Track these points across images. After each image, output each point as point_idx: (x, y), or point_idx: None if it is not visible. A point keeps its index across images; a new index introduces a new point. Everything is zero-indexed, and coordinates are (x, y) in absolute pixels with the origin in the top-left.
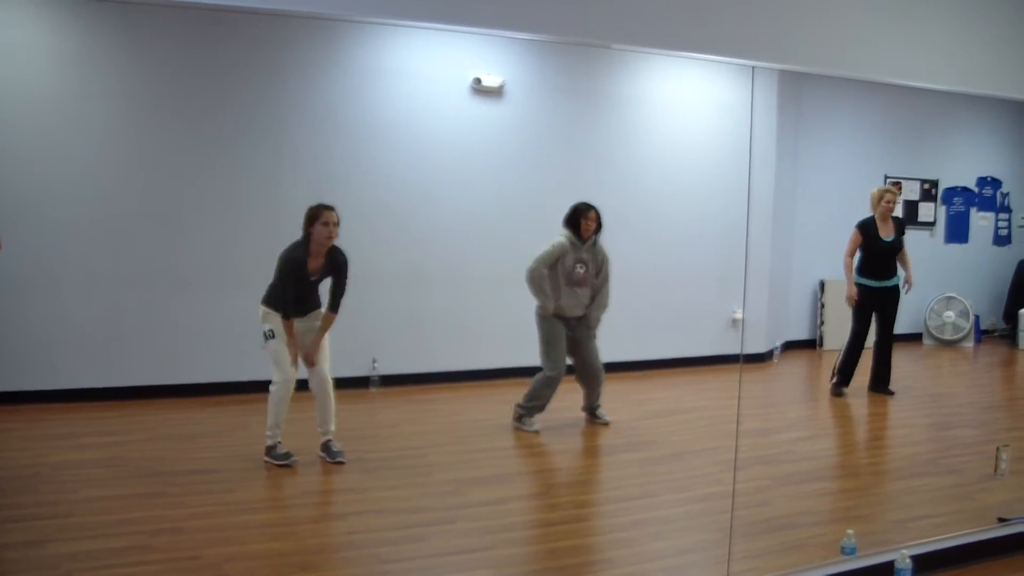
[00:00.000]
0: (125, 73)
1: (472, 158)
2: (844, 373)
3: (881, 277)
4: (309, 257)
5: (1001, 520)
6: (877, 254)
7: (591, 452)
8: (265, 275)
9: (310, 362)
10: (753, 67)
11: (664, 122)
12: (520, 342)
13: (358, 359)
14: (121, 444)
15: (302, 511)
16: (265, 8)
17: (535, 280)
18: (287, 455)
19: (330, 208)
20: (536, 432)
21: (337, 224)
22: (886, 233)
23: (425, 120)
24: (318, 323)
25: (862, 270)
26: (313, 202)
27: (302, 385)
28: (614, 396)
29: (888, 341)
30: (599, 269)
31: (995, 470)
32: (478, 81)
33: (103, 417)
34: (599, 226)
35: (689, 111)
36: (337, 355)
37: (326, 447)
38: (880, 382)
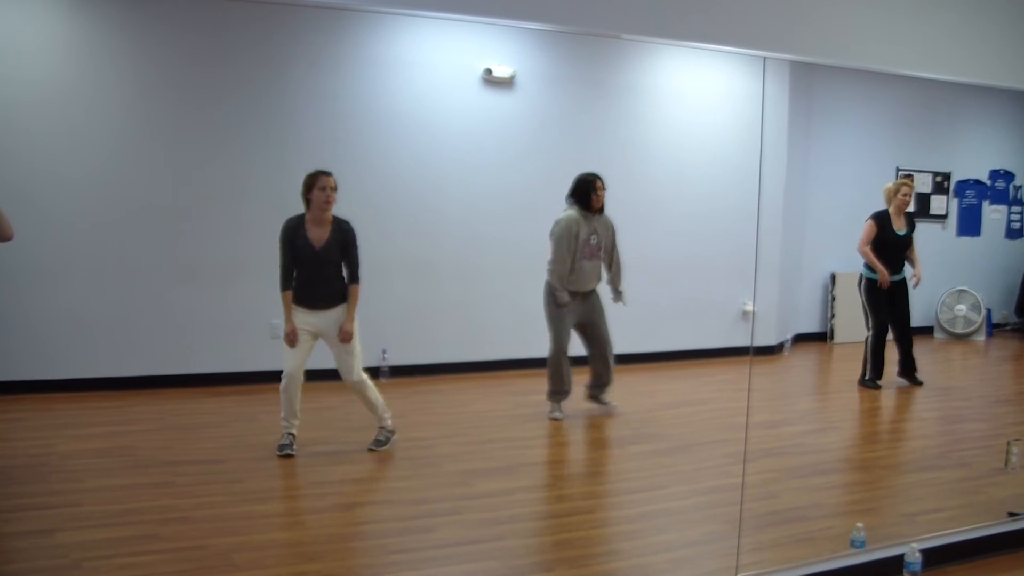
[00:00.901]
0: (132, 65)
1: (482, 149)
2: (875, 368)
3: (892, 271)
4: (309, 224)
5: (1011, 514)
6: (890, 247)
7: (599, 444)
8: (272, 266)
9: (344, 338)
10: (764, 58)
11: (675, 113)
12: (529, 333)
13: (368, 350)
14: (129, 434)
15: (310, 501)
16: None
17: (559, 273)
18: (284, 446)
19: (327, 173)
20: (556, 419)
21: (335, 189)
22: (899, 227)
23: (435, 111)
24: (335, 320)
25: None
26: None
27: (324, 375)
28: (623, 387)
29: (908, 333)
30: (611, 241)
31: (1005, 464)
32: (489, 72)
33: (111, 407)
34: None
35: (700, 102)
36: None
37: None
38: (908, 370)
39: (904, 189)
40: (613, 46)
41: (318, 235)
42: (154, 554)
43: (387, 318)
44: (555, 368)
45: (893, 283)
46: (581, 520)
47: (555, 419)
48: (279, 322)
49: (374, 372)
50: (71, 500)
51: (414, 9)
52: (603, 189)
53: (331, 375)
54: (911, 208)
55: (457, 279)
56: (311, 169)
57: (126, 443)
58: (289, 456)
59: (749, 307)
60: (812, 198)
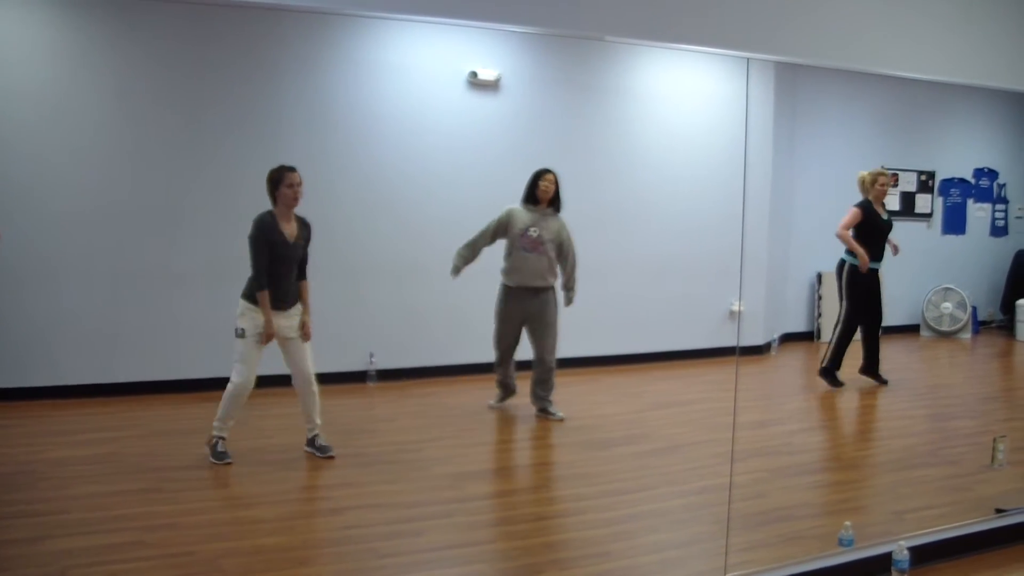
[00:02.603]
0: (121, 69)
1: (468, 152)
2: (834, 358)
3: (875, 258)
4: (280, 221)
5: (999, 511)
6: (876, 234)
7: (588, 445)
8: None
9: (307, 336)
10: (748, 59)
11: (660, 114)
12: None
13: (355, 353)
14: (117, 440)
15: (298, 506)
16: (263, 2)
17: (464, 254)
18: (224, 454)
19: (292, 169)
20: (490, 407)
21: (301, 184)
22: (883, 214)
23: (421, 114)
24: (297, 319)
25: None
26: (305, 197)
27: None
28: (611, 389)
29: (876, 329)
30: (559, 245)
31: (992, 461)
32: (474, 74)
33: (99, 413)
34: (557, 194)
35: (685, 103)
36: (334, 349)
37: (312, 442)
38: (871, 368)
39: (881, 179)
40: (598, 48)
41: (290, 231)
42: (142, 561)
43: (375, 321)
44: (497, 365)
45: (874, 272)
46: (570, 522)
47: (489, 406)
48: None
49: (361, 376)
50: (58, 507)
51: (400, 13)
52: (553, 184)
53: (318, 380)
54: (895, 202)
55: (444, 281)
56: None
57: (114, 450)
58: (227, 464)
59: (736, 307)
60: (798, 198)
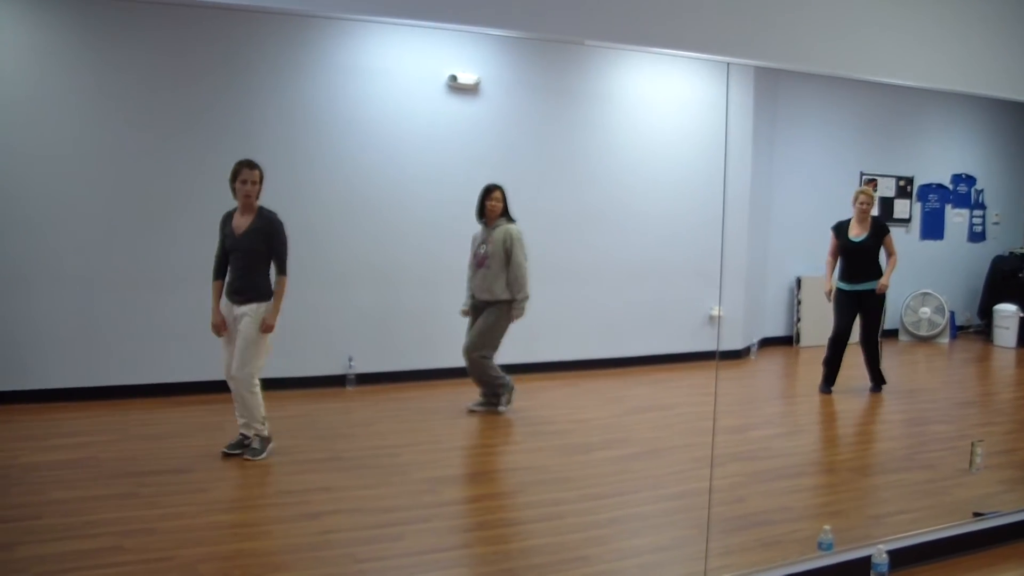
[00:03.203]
0: (98, 72)
1: (448, 156)
2: (825, 372)
3: (852, 279)
4: (236, 214)
5: (976, 515)
6: (846, 255)
7: (567, 450)
8: None
9: (268, 329)
10: (728, 63)
11: (640, 119)
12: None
13: (334, 357)
14: (92, 445)
15: (276, 511)
16: (242, 5)
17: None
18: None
19: (250, 166)
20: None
21: (256, 182)
22: (856, 233)
23: (401, 118)
24: (250, 316)
25: (839, 271)
26: (281, 200)
27: (290, 384)
28: (590, 393)
29: (867, 344)
30: (500, 250)
31: (970, 465)
32: (454, 78)
33: (74, 418)
34: (505, 209)
35: (665, 108)
36: (313, 353)
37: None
38: (873, 380)
39: (861, 197)
40: (578, 52)
41: (241, 223)
42: (118, 566)
43: (353, 325)
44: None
45: (858, 292)
46: (550, 526)
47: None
48: None
49: (340, 380)
50: (32, 513)
51: (379, 16)
52: (500, 201)
53: (297, 383)
54: (876, 211)
55: (423, 285)
56: (275, 176)
57: (89, 454)
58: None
59: (715, 311)
60: (777, 202)
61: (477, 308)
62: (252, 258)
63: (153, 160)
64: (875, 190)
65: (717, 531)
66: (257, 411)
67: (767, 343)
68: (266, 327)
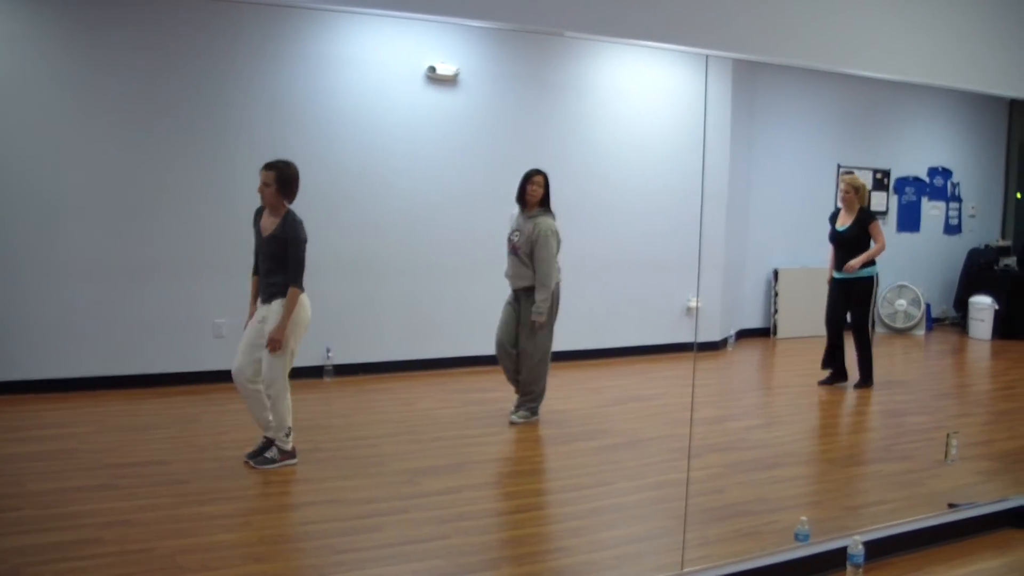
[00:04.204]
0: (75, 64)
1: (427, 147)
2: (824, 362)
3: (840, 268)
4: (264, 213)
5: (951, 505)
6: (834, 244)
7: (546, 440)
8: (215, 265)
9: (272, 346)
10: (707, 55)
11: (619, 110)
12: (475, 330)
13: (312, 348)
14: (71, 436)
15: (255, 502)
16: None
17: None
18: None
19: (265, 167)
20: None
21: (269, 184)
22: (841, 222)
23: (380, 109)
24: (271, 320)
25: (832, 260)
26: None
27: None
28: (570, 384)
29: (855, 333)
30: (527, 241)
31: (945, 456)
32: (432, 69)
33: (52, 409)
34: (547, 194)
35: (644, 99)
36: None
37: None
38: (861, 376)
39: (843, 186)
40: (557, 44)
41: (267, 224)
42: (97, 558)
43: (332, 316)
44: (501, 363)
45: (845, 281)
46: (528, 517)
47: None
48: (222, 321)
49: (318, 371)
50: (10, 504)
51: (358, 7)
52: (540, 186)
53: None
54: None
55: (402, 276)
56: (253, 167)
57: (68, 446)
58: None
59: (693, 303)
60: (755, 194)
61: (513, 295)
62: (274, 261)
63: (130, 152)
64: (850, 180)
65: (695, 522)
66: (281, 419)
67: (744, 334)
68: (270, 343)
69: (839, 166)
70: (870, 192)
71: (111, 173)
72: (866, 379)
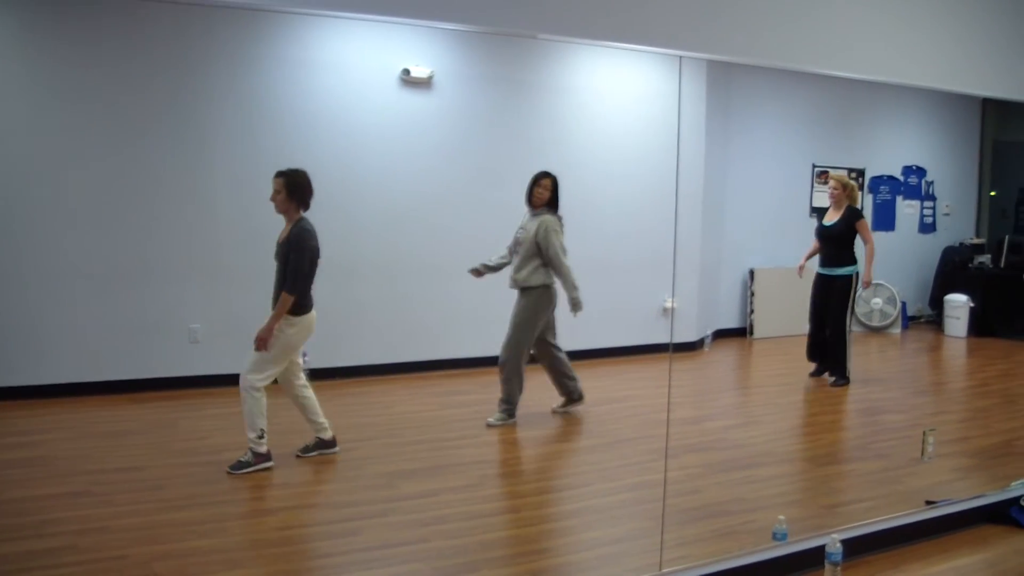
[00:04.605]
0: (46, 67)
1: (402, 150)
2: (809, 354)
3: (824, 264)
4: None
5: (928, 503)
6: (820, 240)
7: (523, 443)
8: (190, 270)
9: (256, 344)
10: (680, 57)
11: (593, 112)
12: (452, 333)
13: None
14: (45, 443)
15: (232, 507)
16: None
17: None
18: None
19: (276, 175)
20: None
21: (278, 192)
22: (828, 218)
23: (354, 112)
24: (282, 327)
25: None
26: (238, 196)
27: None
28: (546, 385)
29: (835, 331)
30: (530, 238)
31: (922, 454)
32: (407, 72)
33: (27, 416)
34: (554, 197)
35: (618, 101)
36: None
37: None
38: (833, 368)
39: (831, 183)
40: (531, 46)
41: (283, 231)
42: (72, 566)
43: None
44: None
45: (825, 277)
46: (506, 519)
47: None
48: (197, 326)
49: None
50: None
51: (332, 10)
52: (548, 190)
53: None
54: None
55: (378, 279)
56: (228, 171)
57: (43, 453)
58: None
59: (669, 303)
60: (731, 195)
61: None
62: (283, 269)
63: (103, 157)
64: (826, 182)
65: (672, 522)
66: (252, 419)
67: (721, 335)
68: (257, 340)
69: (814, 166)
70: (861, 192)
71: (84, 178)
72: (841, 376)
